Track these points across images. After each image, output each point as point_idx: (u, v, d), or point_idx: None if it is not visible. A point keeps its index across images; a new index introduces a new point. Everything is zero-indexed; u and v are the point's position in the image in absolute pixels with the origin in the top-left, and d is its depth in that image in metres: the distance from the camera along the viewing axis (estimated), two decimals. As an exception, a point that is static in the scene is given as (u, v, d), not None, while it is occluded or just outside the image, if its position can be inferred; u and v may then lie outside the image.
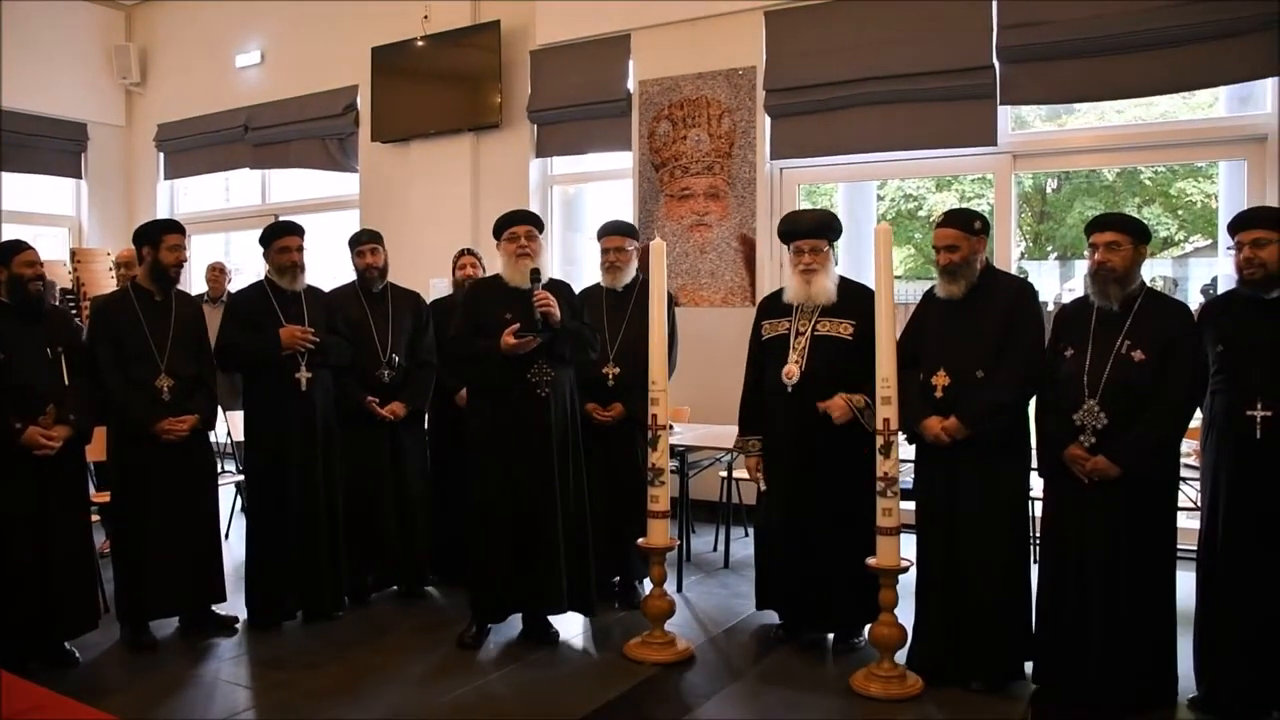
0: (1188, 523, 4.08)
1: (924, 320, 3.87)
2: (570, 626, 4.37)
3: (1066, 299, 3.82)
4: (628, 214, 6.87)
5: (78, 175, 9.66)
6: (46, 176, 9.46)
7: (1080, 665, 3.43)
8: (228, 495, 5.95)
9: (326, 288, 4.87)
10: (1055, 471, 3.52)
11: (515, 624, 4.30)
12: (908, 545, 3.73)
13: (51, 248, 9.33)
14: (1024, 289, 3.79)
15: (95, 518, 4.43)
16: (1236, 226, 3.34)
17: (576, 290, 4.56)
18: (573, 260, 7.63)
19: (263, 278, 4.58)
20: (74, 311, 7.00)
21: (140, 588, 4.12)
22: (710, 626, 4.46)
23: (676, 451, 5.00)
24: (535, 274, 4.09)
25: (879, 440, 3.62)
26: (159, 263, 4.24)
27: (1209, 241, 10.06)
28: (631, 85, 6.88)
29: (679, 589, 4.93)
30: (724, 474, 5.66)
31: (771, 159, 6.46)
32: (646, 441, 4.11)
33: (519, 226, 4.20)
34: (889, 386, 3.61)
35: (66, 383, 3.94)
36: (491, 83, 7.34)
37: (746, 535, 6.07)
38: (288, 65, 8.76)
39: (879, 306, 3.66)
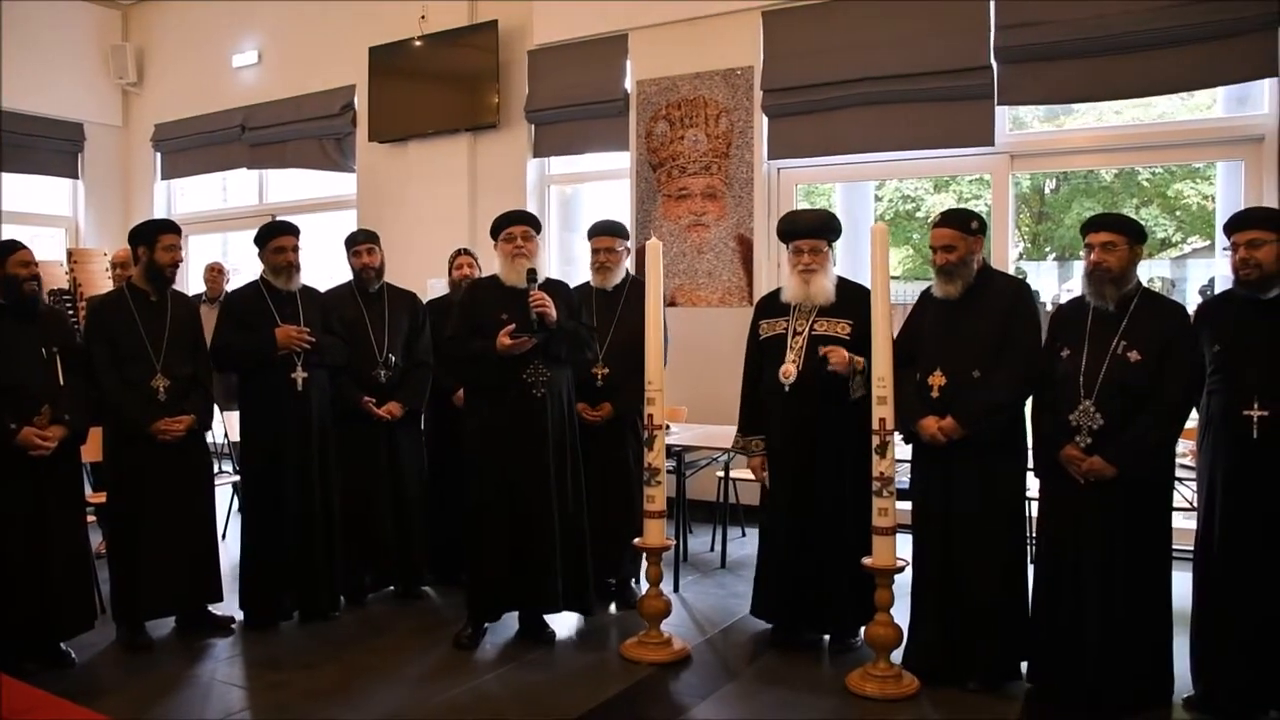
0: (1184, 523, 4.08)
1: (921, 320, 3.87)
2: (567, 626, 4.37)
3: (1065, 299, 3.82)
4: (625, 214, 6.87)
5: (74, 175, 9.66)
6: (43, 177, 9.46)
7: (1076, 665, 3.43)
8: (225, 495, 5.94)
9: (323, 288, 4.86)
10: (1051, 472, 3.52)
11: (512, 624, 4.30)
12: (904, 545, 3.72)
13: (48, 248, 9.32)
14: (1021, 289, 3.80)
15: (91, 518, 4.42)
16: (1232, 227, 3.34)
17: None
18: (570, 260, 7.62)
19: (258, 278, 4.58)
20: (71, 312, 6.98)
21: (136, 588, 4.12)
22: (707, 626, 4.45)
23: (673, 451, 5.00)
24: (531, 274, 4.09)
25: (875, 440, 3.62)
26: (154, 263, 4.23)
27: (1207, 242, 10.05)
28: (629, 85, 6.88)
29: (675, 589, 4.93)
30: (721, 474, 5.65)
31: (769, 159, 6.46)
32: (638, 441, 4.11)
33: (515, 227, 4.20)
34: (885, 386, 3.62)
35: (61, 383, 3.93)
36: (489, 83, 7.34)
37: (744, 535, 6.08)
38: (285, 65, 8.76)
39: (875, 306, 3.66)
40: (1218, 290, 5.19)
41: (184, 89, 9.40)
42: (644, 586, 4.16)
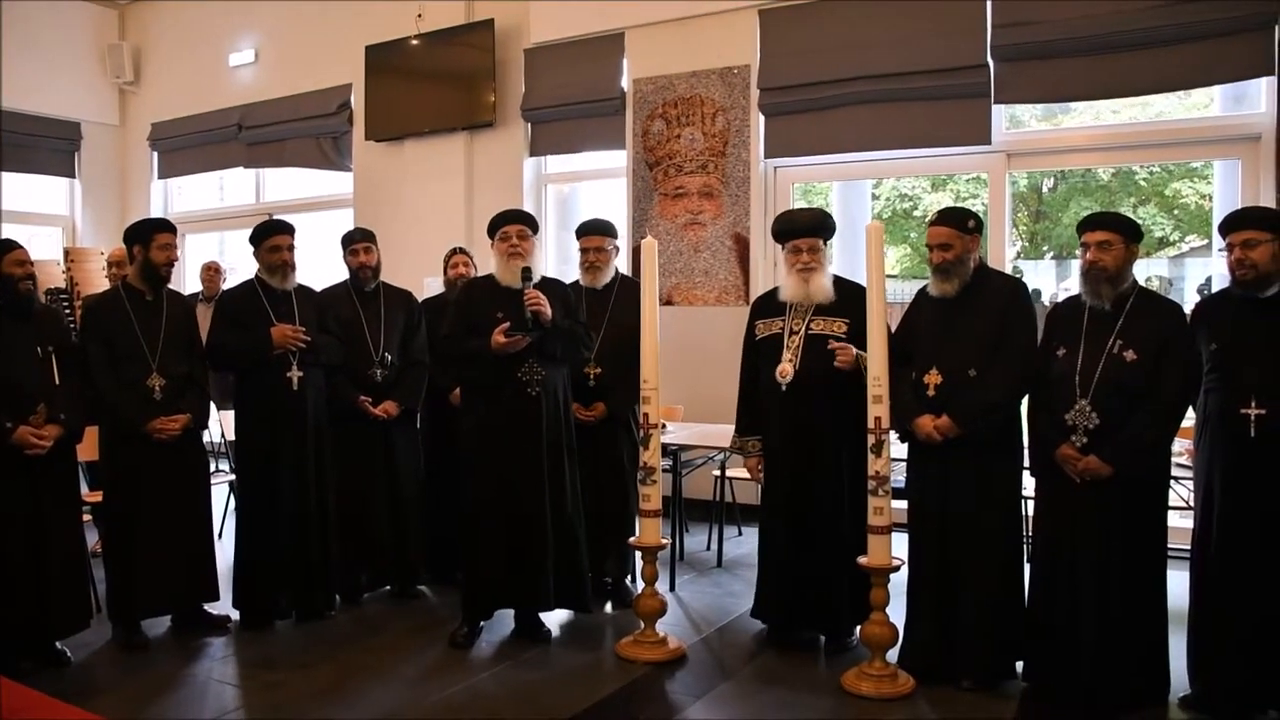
0: (1181, 522, 4.09)
1: (917, 319, 3.87)
2: (562, 625, 4.37)
3: (1063, 298, 3.82)
4: (621, 213, 6.88)
5: (71, 174, 9.65)
6: (40, 176, 9.45)
7: (1072, 664, 3.43)
8: (221, 494, 5.94)
9: (319, 287, 4.86)
10: (1047, 471, 3.52)
11: (507, 623, 4.30)
12: (901, 544, 3.72)
13: (45, 247, 9.32)
14: (1017, 288, 3.79)
15: (87, 517, 4.41)
16: (1227, 227, 3.33)
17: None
18: (567, 259, 7.60)
19: (253, 277, 4.57)
20: (67, 310, 6.98)
21: (131, 587, 4.11)
22: (703, 626, 4.45)
23: (669, 450, 5.00)
24: (526, 273, 4.09)
25: (870, 439, 3.62)
26: (150, 262, 4.23)
27: (1205, 241, 10.06)
28: (625, 84, 6.88)
29: (672, 588, 4.93)
30: (717, 473, 5.65)
31: (765, 158, 6.46)
32: (633, 440, 4.11)
33: (511, 226, 4.20)
34: (880, 385, 3.61)
35: (57, 382, 3.93)
36: (485, 81, 7.33)
37: (740, 534, 6.07)
38: (281, 64, 8.75)
39: (870, 305, 3.66)
40: (1215, 289, 5.19)
41: (181, 88, 9.39)
42: (639, 585, 4.16)
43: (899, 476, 3.92)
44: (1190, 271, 10.34)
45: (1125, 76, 5.41)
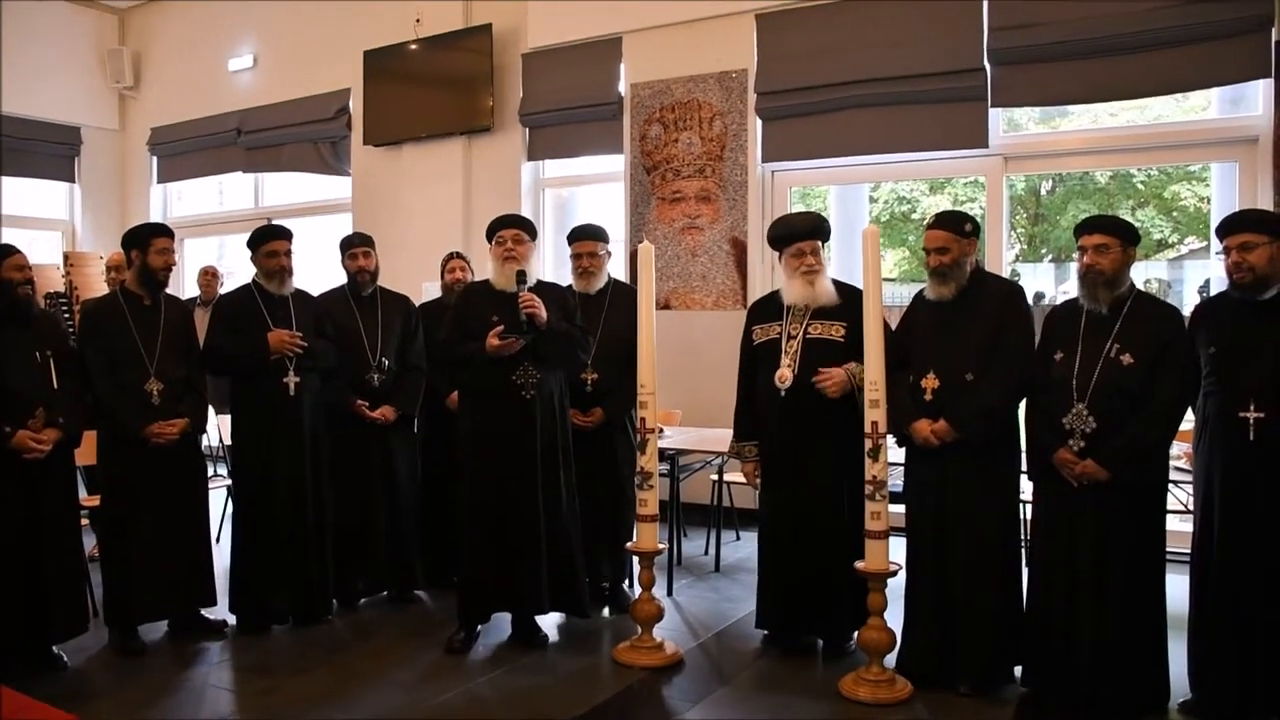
0: (1181, 526, 4.08)
1: (914, 322, 3.86)
2: (559, 630, 4.36)
3: (1061, 302, 3.82)
4: (619, 217, 6.88)
5: (71, 179, 9.66)
6: (40, 180, 9.46)
7: (1070, 669, 3.42)
8: (219, 498, 5.94)
9: (318, 291, 4.86)
10: (1045, 475, 3.51)
11: (504, 628, 4.29)
12: (898, 549, 3.72)
13: (45, 251, 9.32)
14: (1014, 292, 3.80)
15: (85, 522, 4.41)
16: (1224, 230, 3.33)
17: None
18: (565, 263, 7.58)
19: (250, 281, 4.57)
20: (67, 315, 6.98)
21: (128, 592, 4.11)
22: (700, 631, 4.44)
23: (667, 455, 5.00)
24: (520, 276, 4.09)
25: (868, 443, 3.61)
26: (147, 266, 4.23)
27: (1203, 243, 10.05)
28: (623, 88, 6.88)
29: (669, 593, 4.92)
30: (715, 477, 5.65)
31: (763, 162, 6.46)
32: (630, 444, 4.10)
33: (507, 230, 4.20)
34: (877, 390, 3.61)
35: (55, 386, 3.93)
36: (483, 86, 7.34)
37: (738, 539, 6.07)
38: (280, 69, 8.76)
39: (867, 309, 3.65)
40: (1215, 291, 5.19)
41: (180, 93, 9.41)
42: (637, 590, 4.15)
43: (897, 481, 3.92)
44: (1189, 274, 10.33)
45: (1122, 79, 5.41)
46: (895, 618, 3.72)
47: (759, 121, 6.41)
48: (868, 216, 7.55)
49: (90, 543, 4.77)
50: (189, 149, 9.33)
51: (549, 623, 4.33)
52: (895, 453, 3.83)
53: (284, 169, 8.79)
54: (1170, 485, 3.66)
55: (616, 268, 4.91)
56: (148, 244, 4.23)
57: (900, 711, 3.52)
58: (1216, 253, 3.48)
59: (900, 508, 3.85)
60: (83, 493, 4.93)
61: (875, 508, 3.60)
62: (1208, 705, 3.36)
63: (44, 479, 3.87)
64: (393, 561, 4.79)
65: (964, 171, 7.25)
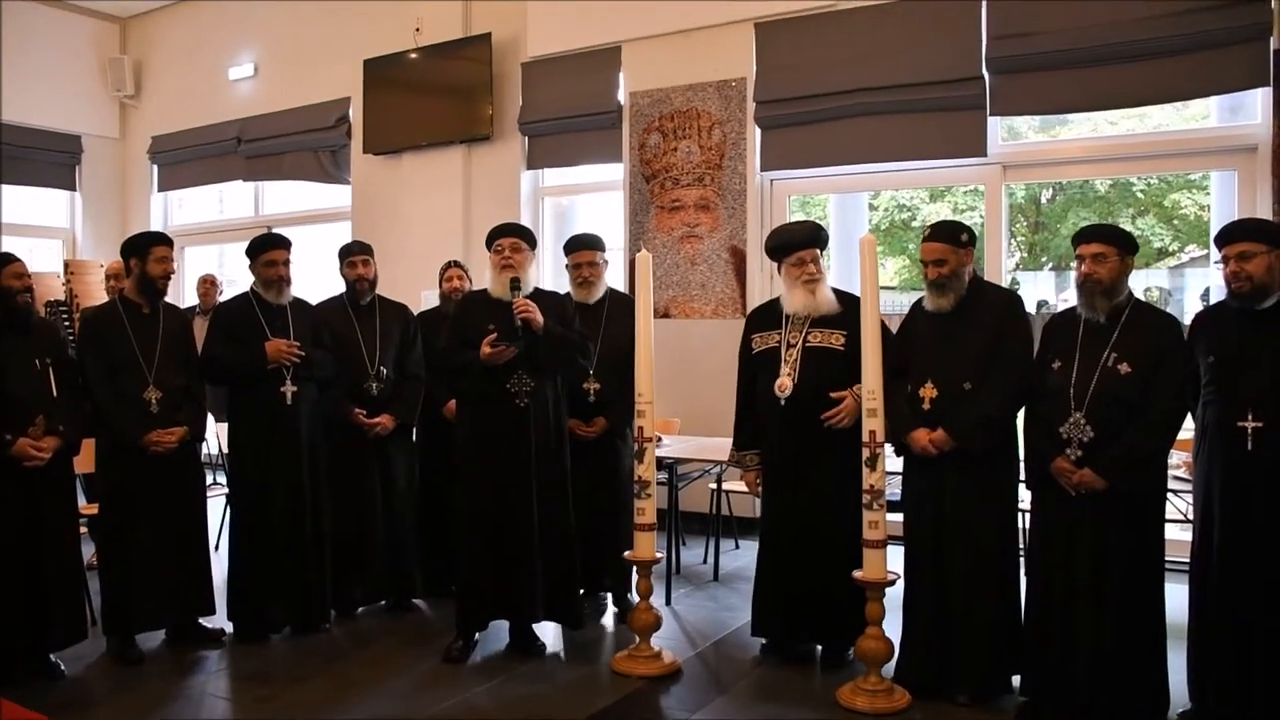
0: (1181, 535, 4.07)
1: (912, 332, 3.86)
2: (558, 639, 4.36)
3: (1059, 310, 3.82)
4: (618, 226, 6.89)
5: (72, 187, 9.68)
6: (41, 189, 9.48)
7: (1069, 678, 3.40)
8: (218, 506, 5.93)
9: (317, 300, 4.86)
10: (1043, 484, 3.50)
11: (502, 636, 4.29)
12: (897, 558, 3.71)
13: (46, 260, 9.34)
14: (1012, 301, 3.79)
15: (84, 530, 4.41)
16: (1222, 240, 3.32)
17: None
18: (565, 272, 7.60)
19: (248, 290, 4.57)
20: (67, 323, 6.98)
21: (126, 601, 4.10)
22: (698, 640, 4.44)
23: (666, 464, 4.99)
24: (515, 283, 4.09)
25: (866, 452, 3.61)
26: (146, 275, 4.23)
27: (1204, 252, 10.05)
28: (622, 97, 6.90)
29: (668, 602, 4.91)
30: (714, 486, 5.64)
31: (762, 170, 6.47)
32: (632, 454, 4.10)
33: (504, 239, 4.21)
34: (875, 399, 3.61)
35: (55, 394, 3.93)
36: (483, 95, 7.35)
37: (737, 548, 6.06)
38: (280, 78, 8.79)
39: (864, 318, 3.65)
40: (1215, 300, 5.19)
41: (181, 101, 9.44)
42: (635, 599, 4.14)
43: (895, 490, 3.91)
44: (1190, 282, 10.31)
45: (1120, 88, 5.41)
46: (894, 627, 3.71)
47: (758, 130, 6.42)
48: (867, 225, 7.55)
49: (89, 551, 4.77)
50: (189, 157, 9.36)
51: (547, 632, 4.32)
52: (894, 462, 3.83)
53: (284, 177, 8.81)
54: (1170, 494, 3.65)
55: (616, 276, 4.90)
56: (146, 252, 4.24)
57: (898, 721, 3.51)
58: (1215, 262, 3.48)
59: (899, 517, 3.84)
60: (82, 501, 4.92)
61: (873, 517, 3.60)
62: (1207, 715, 3.34)
63: (43, 487, 3.86)
64: (391, 570, 4.79)
65: (962, 180, 7.24)
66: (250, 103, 8.96)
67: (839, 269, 6.53)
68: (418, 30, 7.62)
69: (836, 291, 4.08)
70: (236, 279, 8.91)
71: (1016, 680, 3.62)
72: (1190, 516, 3.59)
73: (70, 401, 3.98)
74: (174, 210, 10.08)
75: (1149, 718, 3.39)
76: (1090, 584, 3.36)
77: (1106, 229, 3.52)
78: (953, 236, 3.70)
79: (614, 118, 6.92)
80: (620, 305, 4.65)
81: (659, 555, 4.11)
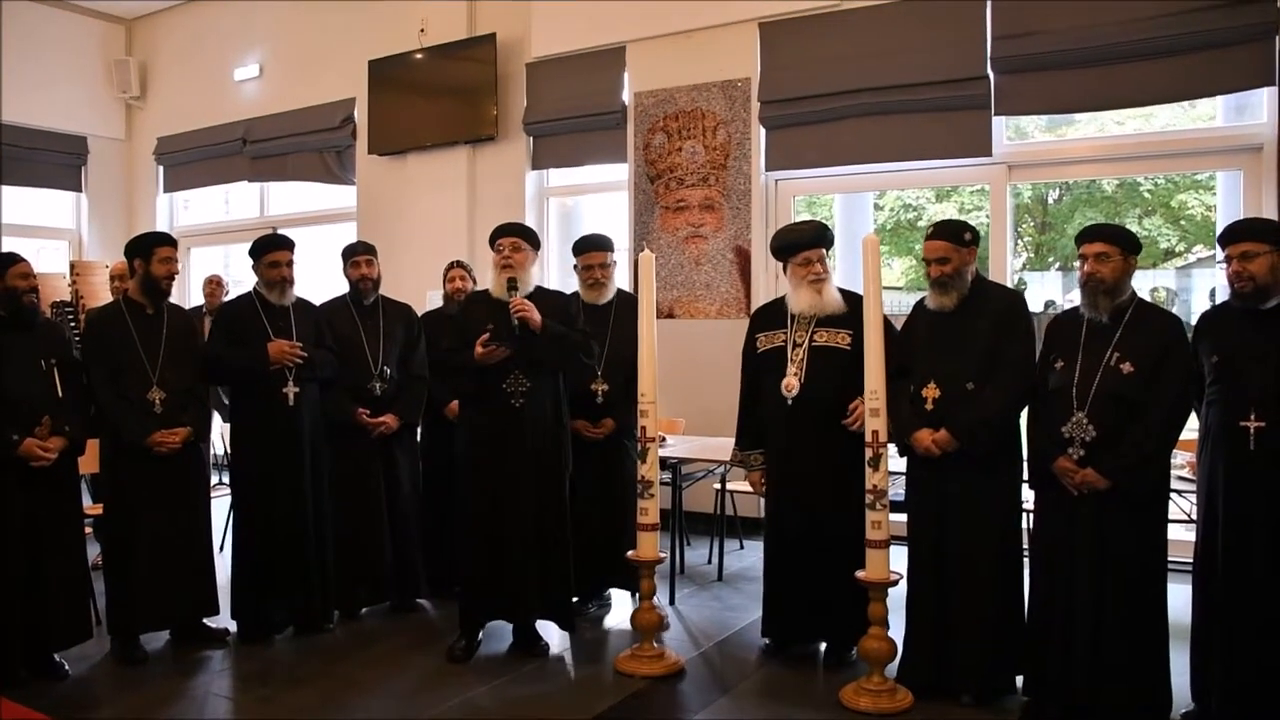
0: (1185, 535, 4.06)
1: (915, 332, 3.85)
2: (562, 639, 4.35)
3: (1062, 310, 3.81)
4: (623, 226, 6.89)
5: (78, 188, 9.72)
6: (47, 190, 9.52)
7: (1072, 679, 3.39)
8: (223, 506, 5.94)
9: (322, 301, 4.87)
10: (1046, 483, 3.50)
11: (505, 637, 4.29)
12: (900, 558, 3.70)
13: (52, 260, 9.38)
14: (1015, 301, 3.79)
15: (89, 530, 4.42)
16: (1225, 240, 3.31)
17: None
18: (570, 272, 7.60)
19: (251, 290, 4.57)
20: (73, 323, 7.01)
21: (130, 601, 4.11)
22: (702, 639, 4.43)
23: (670, 464, 4.99)
24: (511, 283, 4.09)
25: (868, 452, 3.61)
26: (150, 275, 4.24)
27: (1211, 252, 10.03)
28: (627, 97, 6.89)
29: (671, 602, 4.91)
30: (718, 486, 5.64)
31: (766, 170, 6.46)
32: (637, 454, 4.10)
33: (504, 239, 4.21)
34: (878, 399, 3.60)
35: (60, 394, 3.94)
36: (488, 95, 7.36)
37: (742, 548, 6.05)
38: (286, 78, 8.81)
39: (867, 318, 3.65)
40: (1220, 300, 5.17)
41: (186, 102, 9.46)
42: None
43: (899, 490, 3.91)
44: (1197, 283, 10.30)
45: (1125, 87, 5.39)
46: (897, 627, 3.71)
47: (762, 130, 6.41)
48: (873, 225, 7.54)
49: (95, 551, 4.79)
50: (195, 158, 9.38)
51: (551, 632, 4.32)
52: (897, 462, 3.82)
53: (289, 178, 8.83)
54: (1174, 494, 3.64)
55: (621, 276, 4.90)
56: (150, 253, 4.24)
57: (901, 721, 3.51)
58: (1219, 262, 3.46)
59: (902, 517, 3.83)
60: (87, 501, 4.93)
61: (876, 517, 3.60)
62: (1209, 715, 3.33)
63: (48, 487, 3.88)
64: (394, 571, 4.79)
65: (967, 180, 7.23)
66: (255, 104, 8.98)
67: (844, 269, 6.52)
68: (422, 31, 7.62)
69: (842, 291, 4.07)
70: (243, 279, 8.93)
71: (1019, 680, 3.62)
72: (1194, 517, 3.58)
73: (75, 402, 4.00)
74: (179, 211, 10.11)
75: (1151, 718, 3.38)
76: (1093, 584, 3.35)
77: (1109, 228, 3.52)
78: (955, 235, 3.70)
79: (619, 118, 6.92)
80: (629, 306, 4.64)
81: (662, 555, 4.11)
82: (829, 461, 3.94)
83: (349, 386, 4.66)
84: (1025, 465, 3.69)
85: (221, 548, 5.45)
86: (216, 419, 6.06)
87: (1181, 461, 4.15)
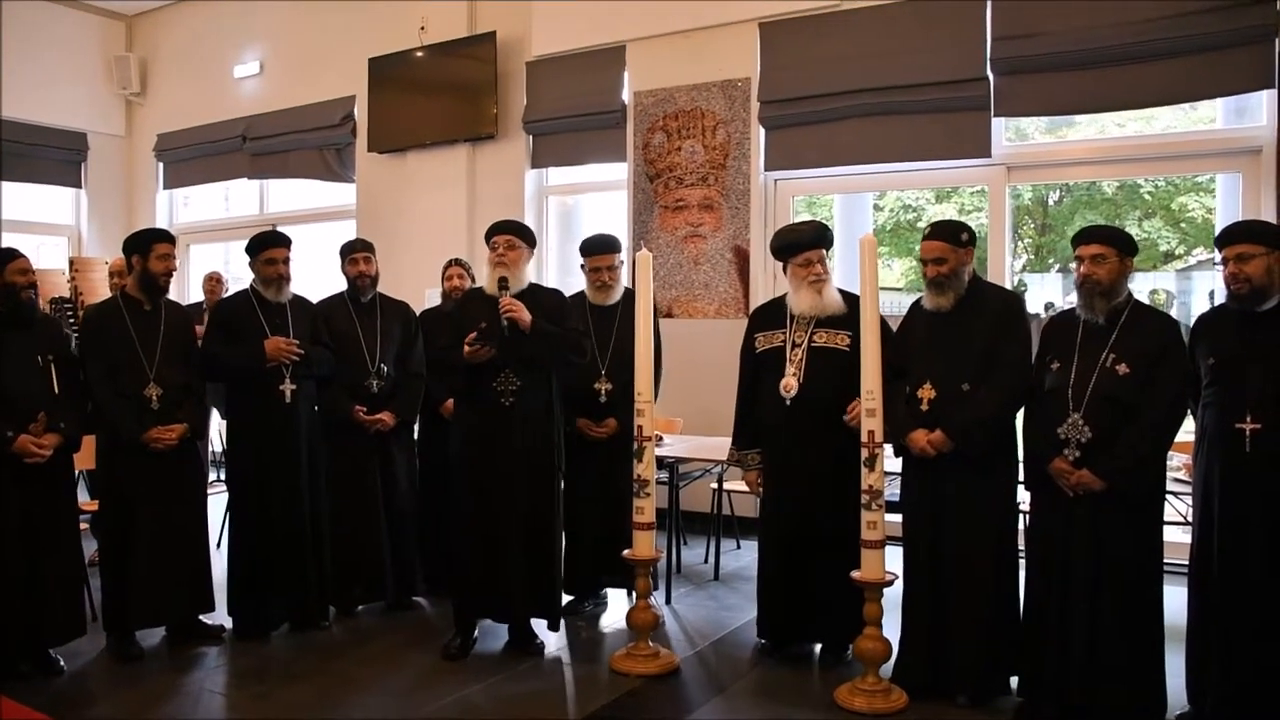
0: (1181, 536, 4.06)
1: (911, 332, 3.85)
2: (558, 637, 4.35)
3: (1058, 311, 3.81)
4: (622, 225, 6.88)
5: (78, 185, 9.72)
6: (46, 186, 9.51)
7: (1067, 680, 3.39)
8: (221, 503, 5.94)
9: (319, 298, 4.86)
10: (1041, 484, 3.50)
11: (501, 635, 4.29)
12: (895, 558, 3.70)
13: (51, 257, 9.38)
14: (1011, 302, 3.79)
15: (85, 526, 4.42)
16: (1221, 242, 3.32)
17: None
18: (570, 271, 7.61)
19: (248, 287, 4.57)
20: (72, 320, 7.01)
21: (126, 598, 4.11)
22: (698, 639, 4.43)
23: (667, 463, 4.99)
24: (502, 282, 4.09)
25: (864, 453, 3.61)
26: (148, 271, 4.23)
27: (1211, 255, 10.02)
28: (627, 96, 6.89)
29: (668, 601, 4.91)
30: (715, 485, 5.64)
31: (766, 170, 6.46)
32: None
33: (499, 236, 4.20)
34: (873, 399, 3.60)
35: (56, 391, 3.94)
36: (487, 94, 7.36)
37: (738, 547, 6.05)
38: (285, 76, 8.81)
39: (864, 318, 3.65)
40: (1219, 303, 5.17)
41: (186, 99, 9.46)
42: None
43: (894, 490, 3.91)
44: (1197, 285, 10.29)
45: (1124, 89, 5.40)
46: (892, 627, 3.71)
47: (762, 130, 6.41)
48: (872, 225, 7.53)
49: (91, 548, 4.78)
50: (195, 155, 9.38)
51: (546, 630, 4.31)
52: (893, 462, 3.82)
53: (289, 175, 8.82)
54: (1170, 496, 3.64)
55: (621, 276, 4.89)
56: (149, 249, 4.23)
57: (895, 722, 3.50)
58: (1215, 264, 3.46)
59: (898, 517, 3.83)
60: (83, 497, 4.93)
61: (871, 517, 3.60)
62: (1205, 717, 3.33)
63: (44, 483, 3.87)
64: (391, 568, 4.78)
65: (966, 181, 7.23)
66: (255, 101, 8.98)
67: (843, 269, 6.51)
68: (423, 29, 7.62)
69: (842, 292, 4.07)
70: (242, 276, 8.91)
71: (1015, 681, 3.61)
72: (1190, 518, 3.57)
73: (72, 398, 3.99)
74: (179, 208, 10.12)
75: (1147, 719, 3.38)
76: (1088, 585, 3.35)
77: (1105, 230, 3.52)
78: (952, 235, 3.70)
79: (618, 117, 6.92)
80: (634, 306, 4.63)
81: (659, 553, 4.11)
82: (826, 462, 3.93)
83: (346, 384, 4.66)
84: (1021, 466, 3.70)
85: (218, 544, 5.46)
86: (215, 416, 6.07)
87: (1178, 463, 4.15)
